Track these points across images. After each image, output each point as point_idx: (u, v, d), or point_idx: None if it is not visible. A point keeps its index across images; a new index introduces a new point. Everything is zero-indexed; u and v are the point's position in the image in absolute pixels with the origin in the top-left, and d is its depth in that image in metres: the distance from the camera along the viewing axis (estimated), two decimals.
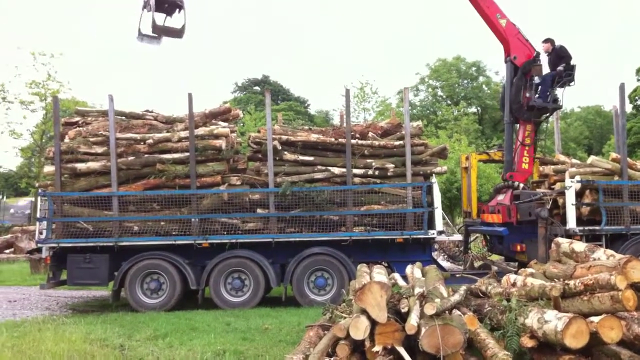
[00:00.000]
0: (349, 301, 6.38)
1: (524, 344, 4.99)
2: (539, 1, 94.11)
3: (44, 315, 9.89)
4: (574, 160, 12.51)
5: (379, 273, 7.17)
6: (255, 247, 10.45)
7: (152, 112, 11.51)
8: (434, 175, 10.80)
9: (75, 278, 10.50)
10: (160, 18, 11.69)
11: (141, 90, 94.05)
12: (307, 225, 10.44)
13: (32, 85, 28.72)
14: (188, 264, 10.38)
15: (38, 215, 10.82)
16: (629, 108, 38.91)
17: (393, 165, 10.62)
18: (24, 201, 38.65)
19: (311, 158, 10.75)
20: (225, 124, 11.25)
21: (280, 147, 10.61)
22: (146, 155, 10.59)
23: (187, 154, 10.45)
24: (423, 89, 49.62)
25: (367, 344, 5.03)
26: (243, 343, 7.21)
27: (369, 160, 10.69)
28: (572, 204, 10.50)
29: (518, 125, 11.99)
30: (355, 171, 10.55)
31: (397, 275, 7.56)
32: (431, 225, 10.38)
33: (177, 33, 11.73)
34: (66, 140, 10.87)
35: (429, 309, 4.90)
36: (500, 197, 11.88)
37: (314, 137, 10.90)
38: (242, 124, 29.74)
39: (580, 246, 6.66)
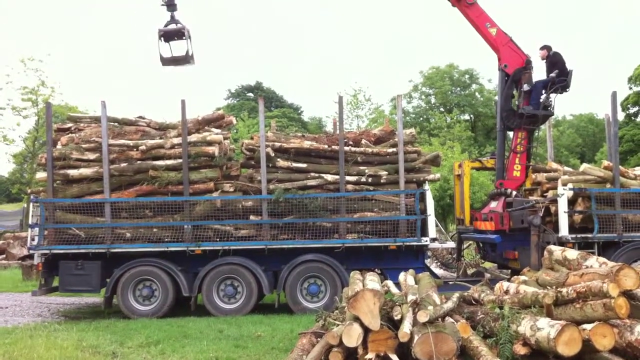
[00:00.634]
0: (342, 308, 6.37)
1: (516, 351, 4.99)
2: (539, 1, 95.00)
3: (35, 322, 9.84)
4: (567, 168, 12.57)
5: (372, 280, 7.16)
6: (248, 254, 10.42)
7: (144, 118, 11.50)
8: (426, 182, 10.81)
9: (67, 285, 10.47)
10: (179, 47, 12.34)
11: (134, 96, 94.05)
12: (300, 232, 10.44)
13: (24, 92, 28.61)
14: (180, 270, 10.35)
15: (30, 221, 10.77)
16: (621, 116, 39.13)
17: (386, 173, 10.64)
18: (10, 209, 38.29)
19: (304, 165, 10.76)
20: (219, 130, 11.25)
21: (273, 154, 10.61)
22: (139, 162, 10.58)
23: (180, 160, 10.44)
24: (416, 96, 49.72)
25: (360, 351, 5.01)
26: (235, 350, 7.22)
27: (362, 168, 10.72)
28: (565, 212, 10.53)
29: (512, 132, 12.03)
30: (348, 178, 10.56)
31: (390, 283, 7.54)
32: (424, 232, 10.40)
33: (186, 60, 12.26)
34: (58, 146, 10.86)
35: (422, 317, 4.91)
36: (492, 205, 11.88)
37: (307, 144, 10.92)
38: (235, 131, 29.68)
39: (572, 254, 6.66)
